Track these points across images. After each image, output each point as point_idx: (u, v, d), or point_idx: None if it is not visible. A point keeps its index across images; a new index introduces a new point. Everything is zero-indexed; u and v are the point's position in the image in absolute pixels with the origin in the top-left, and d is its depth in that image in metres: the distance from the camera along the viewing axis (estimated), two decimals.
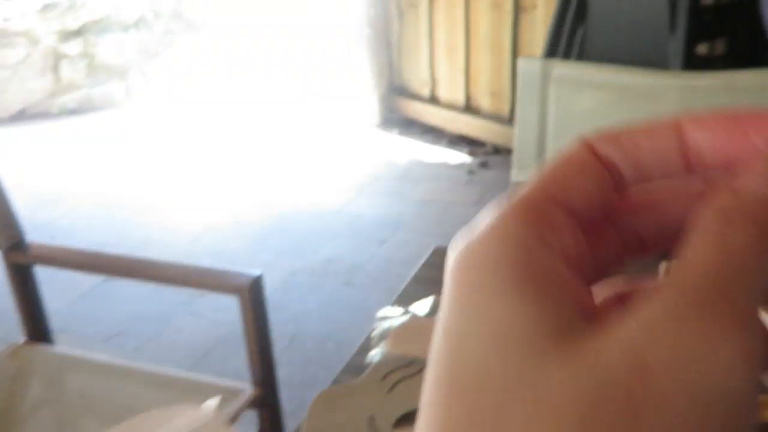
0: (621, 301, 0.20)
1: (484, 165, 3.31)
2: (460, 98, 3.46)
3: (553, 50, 2.04)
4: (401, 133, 3.67)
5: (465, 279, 0.18)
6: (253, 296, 1.12)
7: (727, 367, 0.15)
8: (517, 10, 3.12)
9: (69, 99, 4.25)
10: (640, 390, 0.15)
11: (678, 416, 0.15)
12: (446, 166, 3.35)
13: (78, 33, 4.31)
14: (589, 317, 0.17)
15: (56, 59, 4.24)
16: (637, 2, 1.94)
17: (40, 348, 1.36)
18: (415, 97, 3.68)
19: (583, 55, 2.03)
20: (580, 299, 0.18)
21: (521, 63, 1.34)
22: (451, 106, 3.50)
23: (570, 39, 2.06)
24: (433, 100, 3.60)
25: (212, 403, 0.99)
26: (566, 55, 2.07)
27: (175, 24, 4.93)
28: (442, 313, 0.18)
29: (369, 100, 3.76)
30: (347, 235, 2.80)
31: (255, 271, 1.17)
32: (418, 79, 3.64)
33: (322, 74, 4.40)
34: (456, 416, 0.16)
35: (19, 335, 1.38)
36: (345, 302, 2.35)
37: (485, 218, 0.19)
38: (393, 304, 0.92)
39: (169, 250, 2.73)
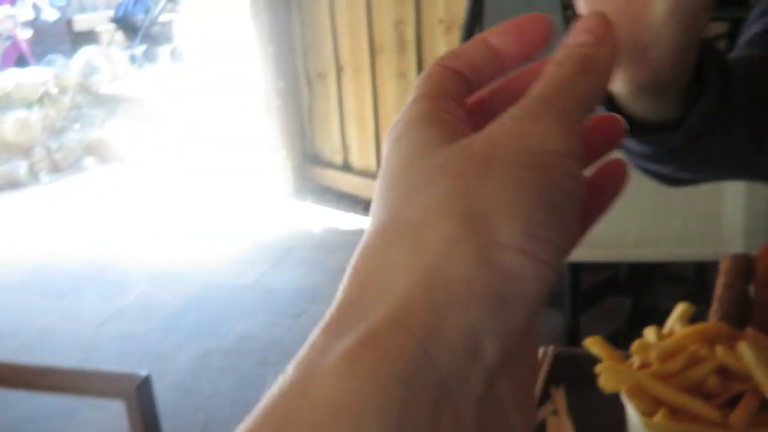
0: None
1: None
2: (372, 165, 3.49)
3: None
4: (316, 202, 3.66)
5: (394, 132, 0.26)
6: (140, 400, 1.06)
7: (548, 137, 0.23)
8: None
9: None
10: (492, 152, 0.23)
11: (515, 168, 0.23)
12: (362, 233, 3.32)
13: None
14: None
15: None
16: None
17: None
18: (329, 164, 3.69)
19: None
20: (466, 132, 0.25)
21: None
22: (364, 173, 3.53)
23: None
24: (346, 167, 3.62)
25: None
26: None
27: (82, 98, 4.83)
28: (382, 162, 0.26)
29: (282, 170, 3.75)
30: (262, 311, 2.73)
31: (142, 372, 1.11)
32: (330, 147, 3.66)
33: (235, 147, 4.38)
34: (387, 196, 0.24)
35: None
36: (260, 383, 2.27)
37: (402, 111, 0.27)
38: None
39: (73, 339, 2.60)
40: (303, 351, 0.22)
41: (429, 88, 0.27)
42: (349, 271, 0.24)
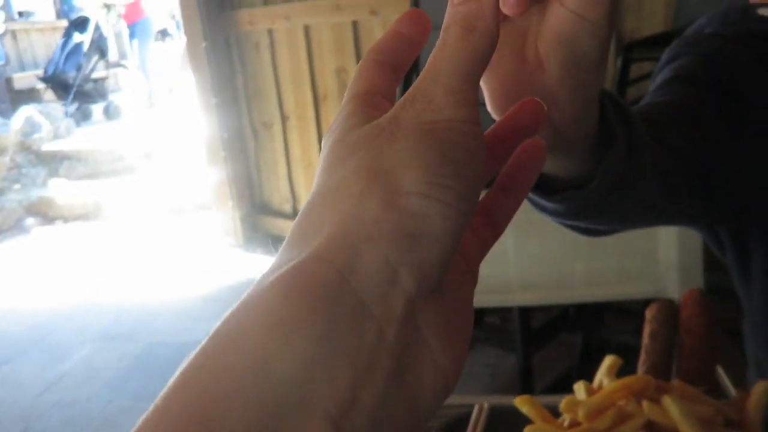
0: None
1: None
2: None
3: None
4: (265, 252, 3.61)
5: (330, 131, 0.30)
6: None
7: (443, 111, 0.27)
8: None
9: None
10: (396, 126, 0.27)
11: (416, 134, 0.27)
12: None
13: None
14: None
15: None
16: None
17: None
18: (278, 213, 3.66)
19: None
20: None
21: None
22: None
23: None
24: (296, 215, 3.57)
25: None
26: None
27: (22, 157, 4.72)
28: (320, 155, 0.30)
29: (231, 222, 3.70)
30: None
31: None
32: (279, 196, 3.63)
33: (181, 200, 4.32)
34: (319, 174, 0.28)
35: None
36: None
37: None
38: None
39: (13, 408, 2.48)
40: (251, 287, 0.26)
41: (360, 86, 0.31)
42: (289, 231, 0.27)
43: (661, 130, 0.60)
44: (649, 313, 0.74)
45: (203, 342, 0.24)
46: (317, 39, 3.18)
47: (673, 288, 1.34)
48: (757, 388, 0.63)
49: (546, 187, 0.51)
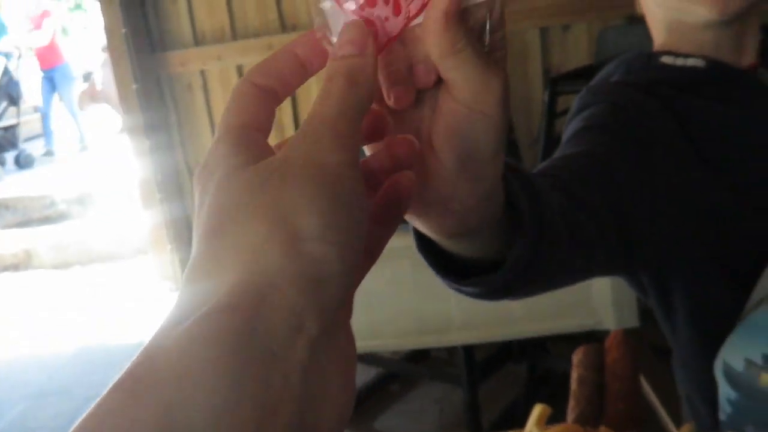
0: None
1: None
2: None
3: None
4: None
5: (206, 169, 0.30)
6: None
7: (329, 153, 0.29)
8: None
9: None
10: (286, 168, 0.28)
11: (306, 178, 0.28)
12: None
13: None
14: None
15: None
16: None
17: None
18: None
19: None
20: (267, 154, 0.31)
21: None
22: None
23: None
24: None
25: None
26: None
27: None
28: (197, 199, 0.31)
29: (170, 265, 3.61)
30: None
31: None
32: None
33: (117, 245, 4.20)
34: (207, 221, 0.29)
35: None
36: None
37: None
38: None
39: None
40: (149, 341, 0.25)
41: (236, 117, 0.32)
42: (187, 270, 0.27)
43: (574, 187, 0.59)
44: (576, 357, 0.74)
45: (102, 397, 0.23)
46: None
47: (609, 320, 1.36)
48: (683, 431, 0.63)
49: (457, 270, 0.48)
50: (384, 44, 0.34)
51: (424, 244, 0.47)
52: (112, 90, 4.54)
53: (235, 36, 3.13)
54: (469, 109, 0.34)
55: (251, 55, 3.10)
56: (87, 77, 7.75)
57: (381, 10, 0.34)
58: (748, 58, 0.79)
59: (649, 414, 0.70)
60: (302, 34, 0.34)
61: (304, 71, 0.33)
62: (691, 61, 0.78)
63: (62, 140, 7.16)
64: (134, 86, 3.32)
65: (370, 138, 0.37)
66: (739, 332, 0.68)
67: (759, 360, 0.65)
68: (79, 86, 7.13)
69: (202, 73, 3.27)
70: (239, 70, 3.16)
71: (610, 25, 2.27)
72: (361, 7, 0.34)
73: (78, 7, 10.39)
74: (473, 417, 2.05)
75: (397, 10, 0.34)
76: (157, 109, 3.43)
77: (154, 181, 3.49)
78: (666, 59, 0.78)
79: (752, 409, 0.66)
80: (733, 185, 0.73)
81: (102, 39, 4.31)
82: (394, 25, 0.34)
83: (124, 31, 3.25)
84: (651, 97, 0.74)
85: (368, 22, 0.33)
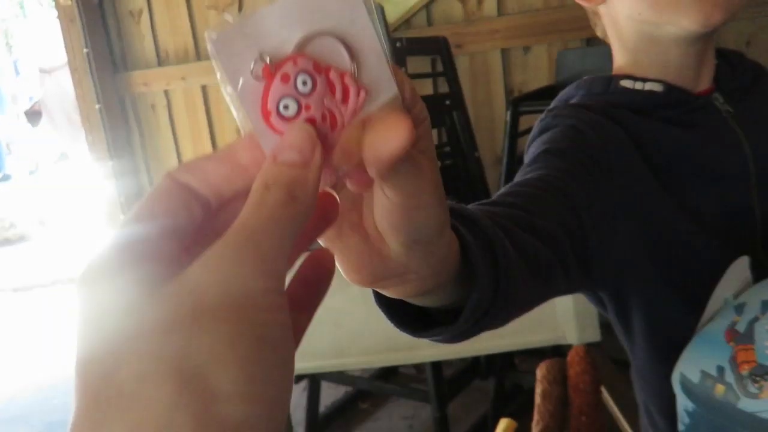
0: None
1: None
2: None
3: None
4: None
5: (89, 276, 0.25)
6: None
7: (252, 280, 0.24)
8: None
9: None
10: (198, 301, 0.23)
11: (224, 317, 0.22)
12: None
13: None
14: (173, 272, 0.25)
15: None
16: None
17: None
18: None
19: None
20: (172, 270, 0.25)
21: None
22: None
23: None
24: None
25: None
26: None
27: None
28: (79, 314, 0.25)
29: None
30: None
31: None
32: None
33: (80, 267, 4.12)
34: (92, 359, 0.23)
35: None
36: None
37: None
38: None
39: None
40: None
41: (142, 222, 0.27)
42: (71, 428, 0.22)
43: (532, 214, 0.60)
44: (539, 372, 0.76)
45: None
46: (215, 99, 3.16)
47: (572, 334, 1.38)
48: None
49: (414, 321, 0.48)
50: (332, 143, 0.30)
51: (382, 297, 0.45)
52: (56, 110, 4.48)
53: (199, 56, 3.13)
54: (404, 206, 0.32)
55: (215, 75, 3.09)
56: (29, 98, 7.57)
57: (329, 100, 0.31)
58: (705, 82, 0.82)
59: (611, 425, 0.72)
60: (246, 135, 0.29)
61: (243, 177, 0.28)
62: (648, 86, 0.80)
63: (14, 163, 7.03)
64: (97, 106, 3.29)
65: (319, 228, 0.32)
66: (695, 345, 0.71)
67: (714, 372, 0.67)
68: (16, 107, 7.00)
69: (166, 93, 3.26)
70: (203, 90, 3.16)
71: (569, 47, 2.33)
72: (303, 95, 0.30)
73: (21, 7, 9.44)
74: (443, 431, 2.06)
75: (345, 98, 0.31)
76: (121, 129, 3.40)
77: (117, 201, 3.45)
78: (625, 83, 0.81)
79: (708, 419, 0.68)
80: (686, 208, 0.76)
81: (42, 53, 4.24)
82: (343, 115, 0.31)
83: (86, 50, 3.22)
84: (610, 119, 0.76)
85: (311, 120, 0.30)
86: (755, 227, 0.79)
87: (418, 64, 2.41)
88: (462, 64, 2.43)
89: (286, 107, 0.30)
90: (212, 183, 0.28)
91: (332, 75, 0.30)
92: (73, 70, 3.37)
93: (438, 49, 2.27)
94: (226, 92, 0.31)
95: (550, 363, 0.76)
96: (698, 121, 0.79)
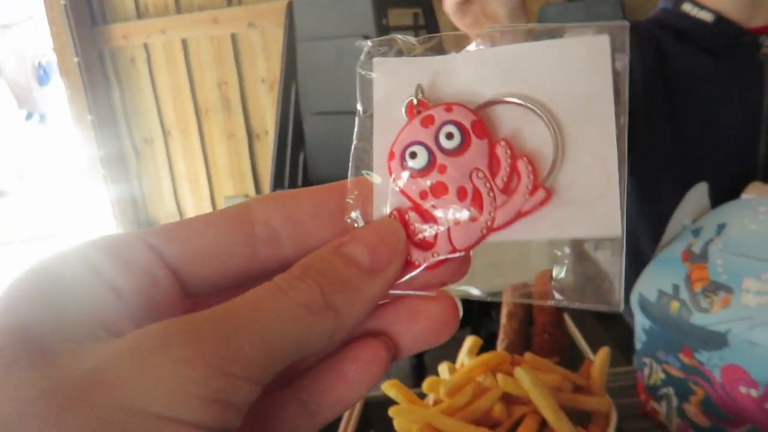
0: None
1: None
2: None
3: (279, 178, 2.10)
4: None
5: None
6: None
7: (178, 401, 0.16)
8: (251, 137, 3.20)
9: None
10: (76, 400, 0.16)
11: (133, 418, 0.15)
12: None
13: None
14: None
15: None
16: (346, 124, 2.08)
17: None
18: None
19: (307, 180, 2.11)
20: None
21: (225, 204, 1.34)
22: None
23: (294, 165, 2.13)
24: None
25: None
26: (292, 180, 2.13)
27: None
28: None
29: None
30: None
31: None
32: (164, 213, 3.54)
33: (60, 223, 4.12)
34: None
35: None
36: None
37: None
38: None
39: None
40: None
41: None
42: None
43: None
44: (505, 296, 0.79)
45: None
46: (196, 52, 3.13)
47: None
48: (600, 354, 0.68)
49: None
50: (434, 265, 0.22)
51: None
52: (13, 69, 4.41)
53: (179, 9, 3.09)
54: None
55: (196, 28, 3.07)
56: None
57: (451, 209, 0.22)
58: (762, 19, 0.86)
59: (571, 343, 0.76)
60: (279, 193, 0.22)
61: (249, 255, 0.20)
62: (701, 14, 0.85)
63: None
64: (76, 59, 3.25)
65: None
66: (653, 267, 0.74)
67: (670, 290, 0.71)
68: None
69: (146, 46, 3.22)
70: (184, 43, 3.13)
71: (550, 2, 2.33)
72: (422, 193, 0.22)
73: None
74: (418, 380, 2.11)
75: (507, 186, 0.22)
76: (100, 84, 3.37)
77: (97, 157, 3.43)
78: (686, 6, 0.86)
79: (663, 335, 0.72)
80: (677, 132, 0.80)
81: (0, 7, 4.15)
82: (465, 236, 0.22)
83: (63, 2, 3.17)
84: (649, 39, 0.81)
85: (439, 188, 0.22)
86: (754, 175, 0.82)
87: (399, 17, 2.41)
88: (444, 18, 2.43)
89: (413, 155, 0.22)
90: (203, 254, 0.20)
91: (501, 150, 0.22)
92: (51, 23, 3.32)
93: (419, 1, 2.26)
94: (358, 116, 0.24)
95: (514, 285, 0.79)
96: (735, 55, 0.84)
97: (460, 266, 0.21)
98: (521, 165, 0.21)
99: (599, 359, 0.68)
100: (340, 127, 2.08)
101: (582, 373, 0.69)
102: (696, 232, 0.73)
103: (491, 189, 0.22)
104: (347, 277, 0.19)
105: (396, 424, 0.63)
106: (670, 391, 0.74)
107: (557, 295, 0.25)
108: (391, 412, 0.63)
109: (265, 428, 0.19)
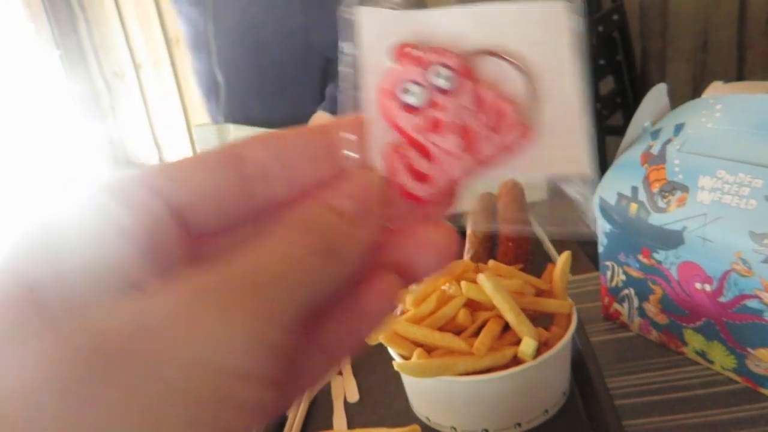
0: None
1: None
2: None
3: None
4: None
5: None
6: None
7: (223, 346, 0.16)
8: None
9: None
10: (117, 350, 0.15)
11: (153, 389, 0.15)
12: None
13: None
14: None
15: None
16: None
17: None
18: (144, 167, 3.54)
19: None
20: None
21: (196, 132, 1.33)
22: None
23: None
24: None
25: None
26: None
27: None
28: None
29: (93, 178, 3.54)
30: None
31: None
32: (142, 149, 3.50)
33: (35, 164, 4.06)
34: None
35: None
36: None
37: None
38: None
39: None
40: None
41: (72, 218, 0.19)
42: None
43: None
44: (471, 205, 0.80)
45: None
46: None
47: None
48: (561, 258, 0.70)
49: None
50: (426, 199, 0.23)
51: None
52: None
53: None
54: None
55: None
56: None
57: (446, 142, 0.24)
58: None
59: (537, 245, 0.77)
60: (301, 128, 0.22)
61: (245, 195, 0.21)
62: None
63: None
64: None
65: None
66: (612, 171, 0.75)
67: (629, 192, 0.72)
68: None
69: None
70: None
71: None
72: (417, 127, 0.24)
73: None
74: None
75: (498, 124, 0.24)
76: (65, 17, 3.26)
77: (67, 93, 3.36)
78: None
79: (623, 237, 0.73)
80: None
81: None
82: (459, 169, 0.24)
83: None
84: None
85: (436, 124, 0.24)
86: None
87: None
88: None
89: (407, 91, 0.24)
90: (202, 193, 0.20)
91: (486, 91, 0.24)
92: None
93: None
94: (344, 57, 0.24)
95: (480, 196, 0.80)
96: None
97: (453, 197, 0.24)
98: (504, 105, 0.24)
99: (560, 263, 0.69)
100: None
101: (545, 278, 0.70)
102: (655, 134, 0.73)
103: (481, 125, 0.24)
104: (338, 225, 0.20)
105: None
106: (631, 291, 0.76)
107: (532, 221, 0.28)
108: None
109: (289, 373, 0.20)
